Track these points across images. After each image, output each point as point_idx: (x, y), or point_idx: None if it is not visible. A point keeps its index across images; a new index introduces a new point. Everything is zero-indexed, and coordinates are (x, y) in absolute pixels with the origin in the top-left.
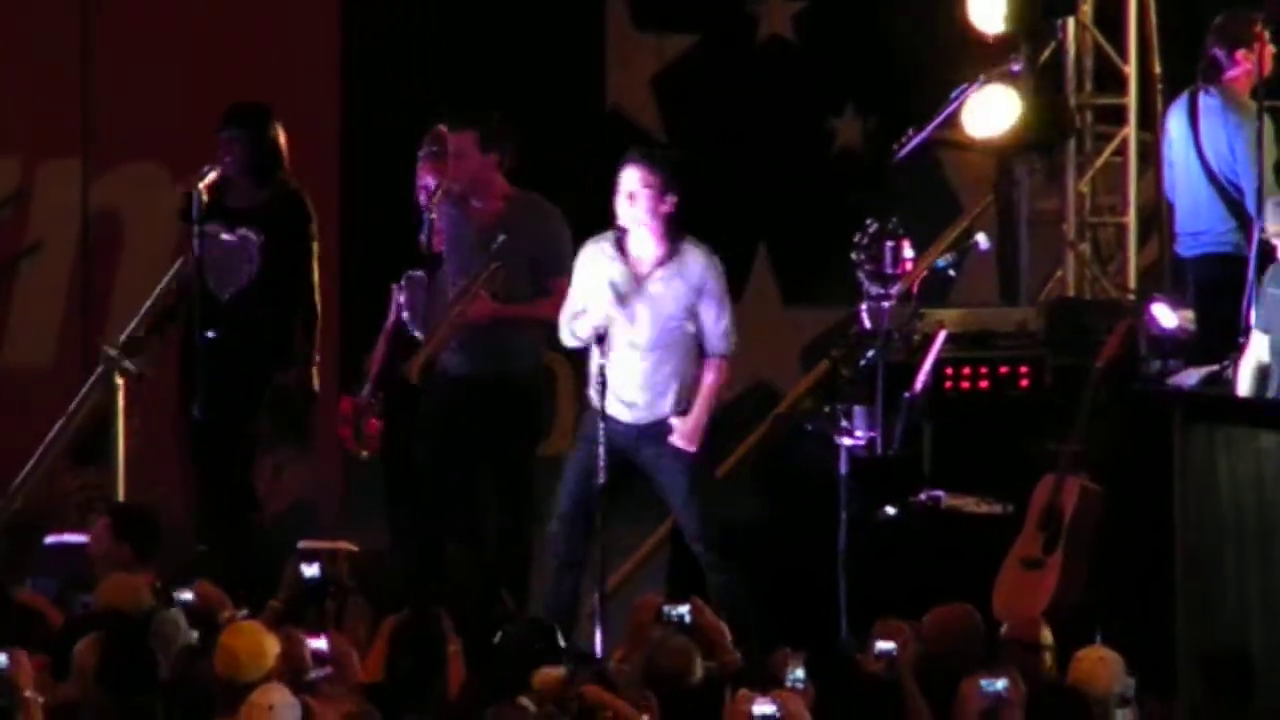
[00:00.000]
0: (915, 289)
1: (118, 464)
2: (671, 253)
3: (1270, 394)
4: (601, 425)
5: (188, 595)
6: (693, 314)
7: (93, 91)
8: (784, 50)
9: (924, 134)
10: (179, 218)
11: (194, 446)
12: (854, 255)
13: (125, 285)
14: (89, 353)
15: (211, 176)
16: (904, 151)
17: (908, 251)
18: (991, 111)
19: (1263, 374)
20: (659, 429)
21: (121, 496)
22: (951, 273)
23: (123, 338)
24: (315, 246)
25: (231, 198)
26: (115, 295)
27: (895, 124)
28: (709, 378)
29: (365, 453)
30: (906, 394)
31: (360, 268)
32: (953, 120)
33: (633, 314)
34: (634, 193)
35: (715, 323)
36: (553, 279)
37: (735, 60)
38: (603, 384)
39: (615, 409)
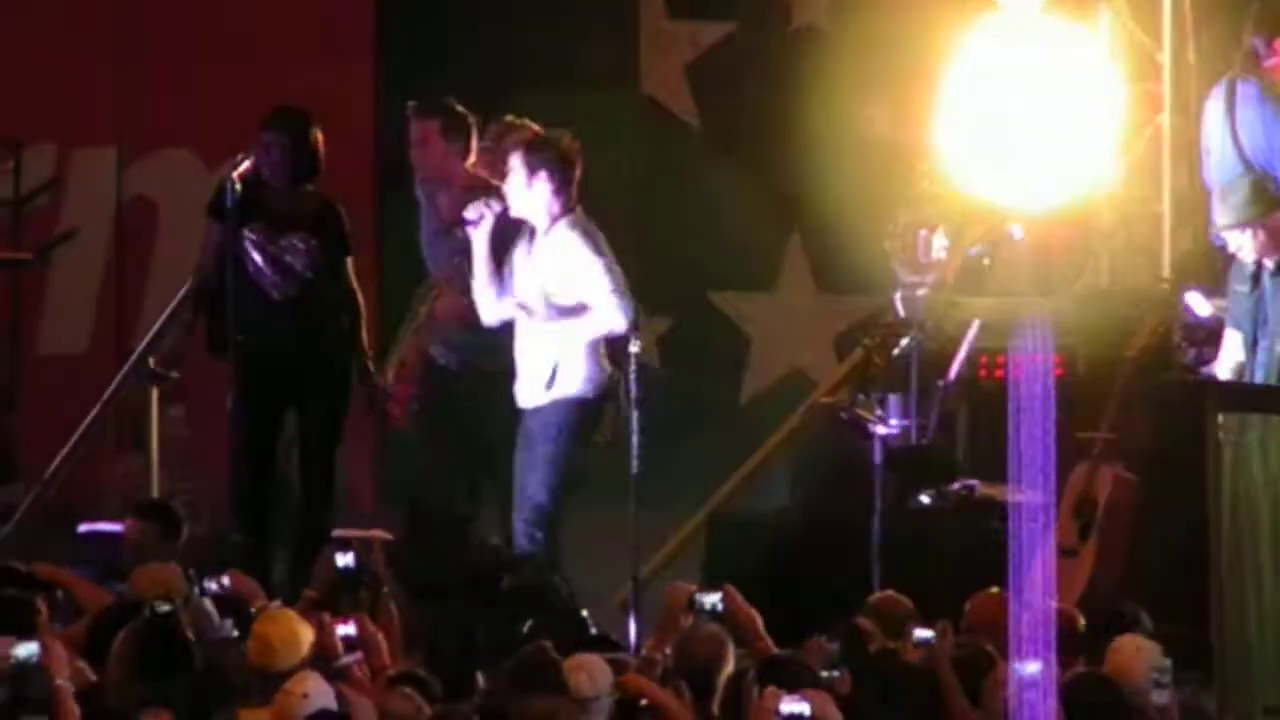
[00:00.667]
0: (949, 277)
1: (153, 453)
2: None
3: None
4: (636, 416)
5: (221, 582)
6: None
7: (127, 79)
8: (818, 38)
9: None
10: (208, 211)
11: (246, 442)
12: (887, 244)
13: (159, 273)
14: (123, 340)
15: (245, 165)
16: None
17: (942, 240)
18: None
19: (1240, 372)
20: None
21: (156, 485)
22: (985, 261)
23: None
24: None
25: (274, 201)
26: (149, 282)
27: (929, 112)
28: None
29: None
30: (940, 382)
31: (397, 266)
32: None
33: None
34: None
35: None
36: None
37: (769, 48)
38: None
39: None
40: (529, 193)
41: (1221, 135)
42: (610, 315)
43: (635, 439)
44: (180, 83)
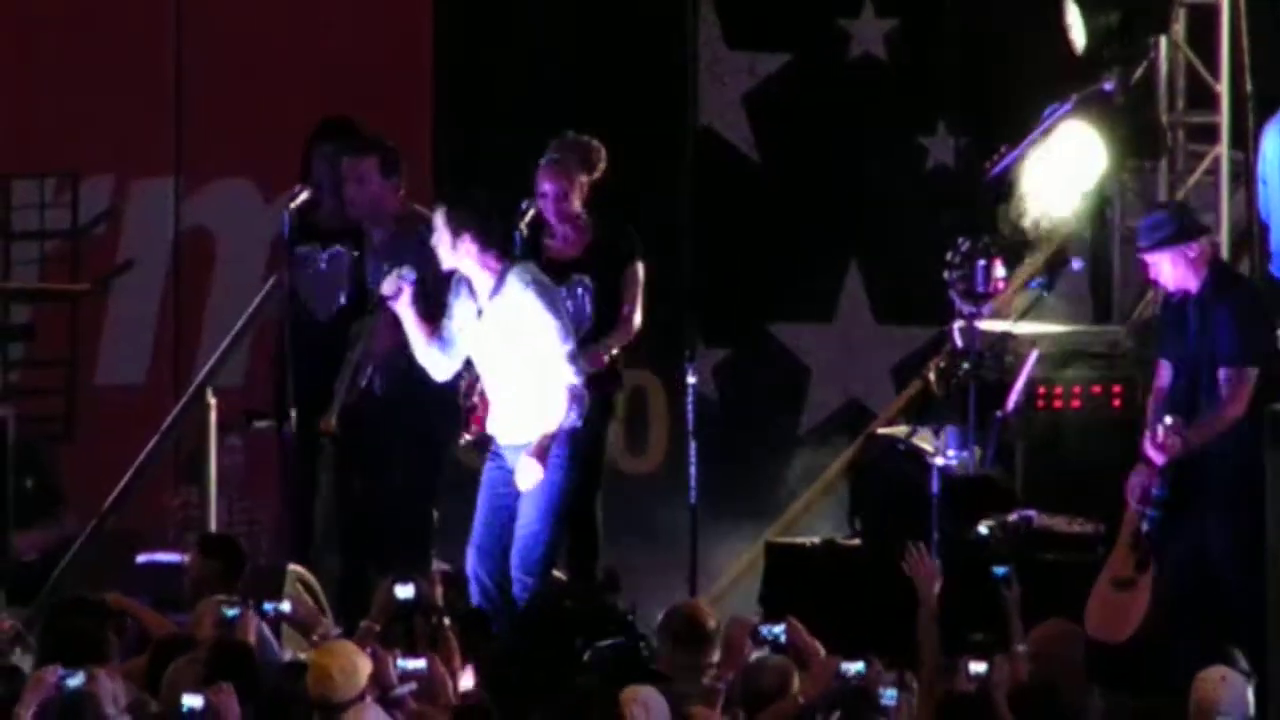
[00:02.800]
0: (1008, 308)
1: (210, 484)
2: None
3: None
4: (694, 447)
5: (285, 607)
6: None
7: (185, 110)
8: (876, 68)
9: (1016, 152)
10: (275, 243)
11: (294, 464)
12: (946, 274)
13: (216, 303)
14: (181, 371)
15: (303, 197)
16: (996, 170)
17: (1000, 270)
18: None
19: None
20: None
21: (214, 516)
22: (1045, 293)
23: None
24: None
25: (322, 217)
26: (207, 313)
27: (987, 142)
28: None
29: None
30: (998, 413)
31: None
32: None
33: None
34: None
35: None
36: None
37: (827, 78)
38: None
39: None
40: (455, 254)
41: (1278, 167)
42: (563, 372)
43: (693, 469)
44: (238, 113)
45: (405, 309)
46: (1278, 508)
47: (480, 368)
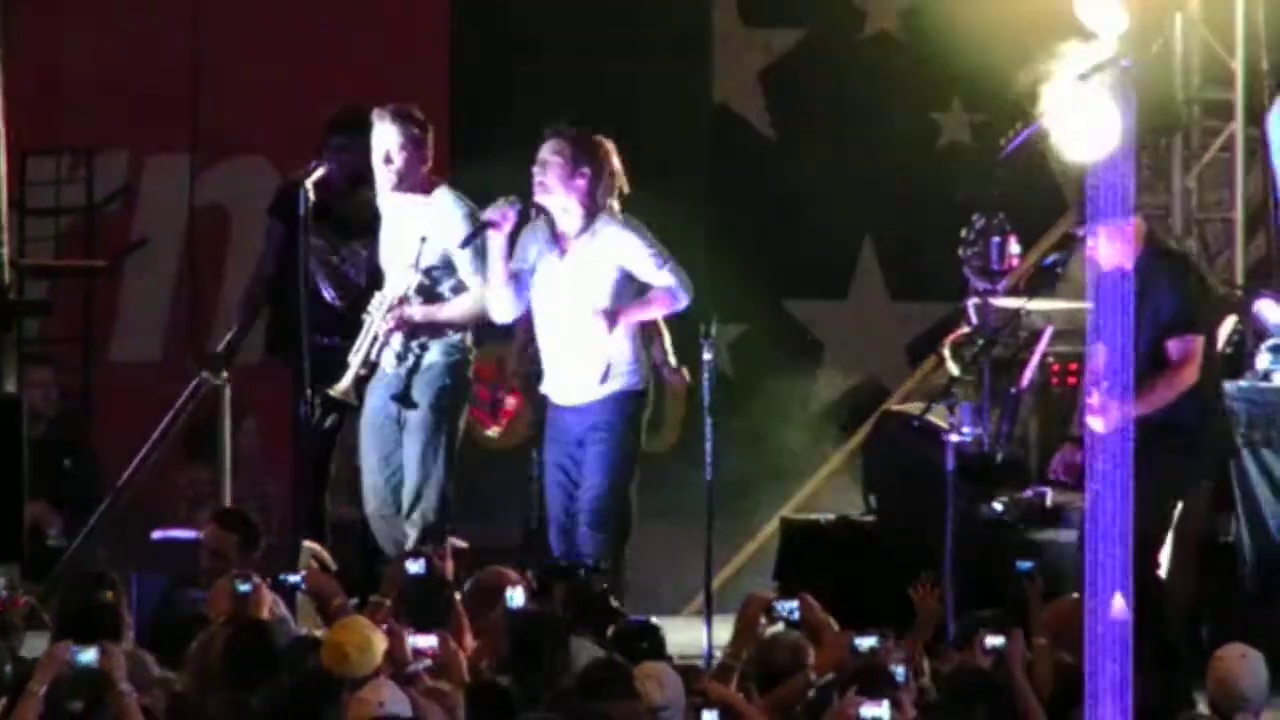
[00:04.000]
0: (1022, 284)
1: (224, 463)
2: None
3: None
4: (710, 424)
5: (297, 578)
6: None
7: (200, 86)
8: (891, 45)
9: (1030, 130)
10: (269, 211)
11: (306, 446)
12: (961, 251)
13: (231, 279)
14: (196, 347)
15: (320, 173)
16: (1011, 147)
17: (1014, 247)
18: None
19: None
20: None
21: (228, 494)
22: (1059, 269)
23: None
24: None
25: (337, 206)
26: (222, 290)
27: (1002, 119)
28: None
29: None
30: (1013, 390)
31: None
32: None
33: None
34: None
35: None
36: (468, 275)
37: (842, 55)
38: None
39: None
40: (564, 187)
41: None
42: (666, 278)
43: (709, 445)
44: (253, 90)
45: (500, 239)
46: (1250, 506)
47: (547, 321)
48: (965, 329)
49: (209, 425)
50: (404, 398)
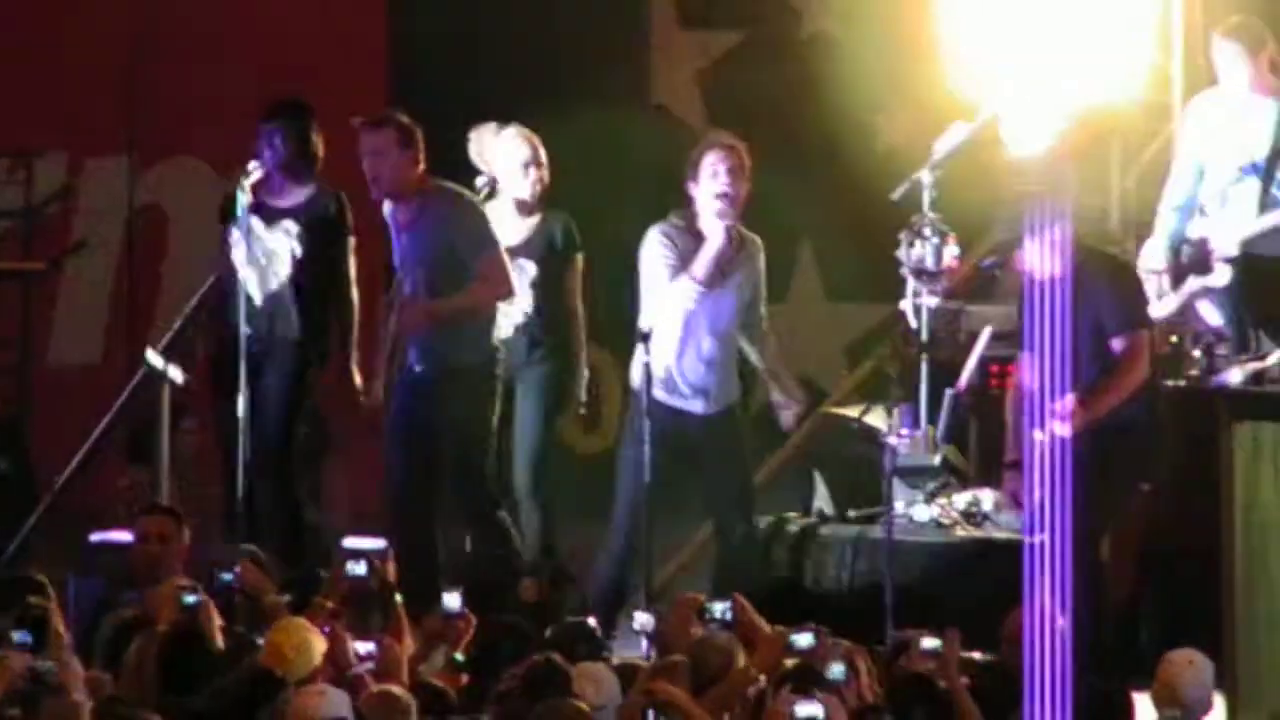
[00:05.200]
0: (960, 287)
1: (163, 464)
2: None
3: None
4: (646, 426)
5: (229, 575)
6: None
7: (138, 87)
8: (828, 46)
9: (968, 131)
10: (219, 218)
11: (233, 442)
12: (899, 253)
13: (170, 281)
14: (135, 349)
15: (256, 175)
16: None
17: (952, 249)
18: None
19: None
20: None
21: (166, 496)
22: (997, 272)
23: (163, 343)
24: (352, 244)
25: (268, 195)
26: (160, 291)
27: (939, 121)
28: None
29: None
30: (951, 391)
31: None
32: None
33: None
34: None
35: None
36: (477, 260)
37: (781, 56)
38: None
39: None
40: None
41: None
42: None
43: (647, 449)
44: (191, 91)
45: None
46: (1229, 487)
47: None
48: (903, 330)
49: (147, 426)
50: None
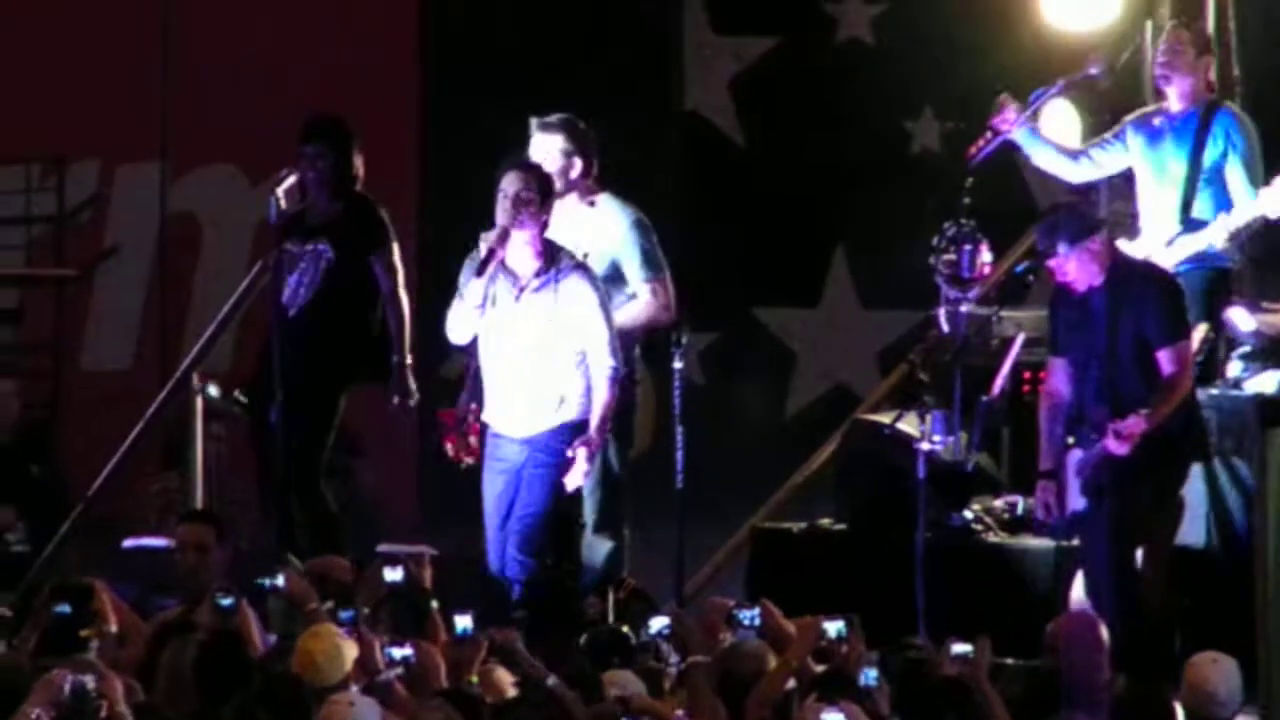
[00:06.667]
0: (993, 292)
1: (195, 470)
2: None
3: None
4: (680, 432)
5: (278, 581)
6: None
7: (172, 95)
8: (862, 53)
9: (1001, 138)
10: (275, 238)
11: (266, 452)
12: (932, 259)
13: (202, 288)
14: (167, 356)
15: (290, 181)
16: (980, 156)
17: (986, 255)
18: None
19: None
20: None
21: (199, 503)
22: (1030, 278)
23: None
24: (395, 250)
25: (309, 214)
26: (193, 298)
27: (973, 127)
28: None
29: (469, 460)
30: (984, 398)
31: (439, 279)
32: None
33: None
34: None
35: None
36: (645, 281)
37: (813, 63)
38: None
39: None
40: (527, 221)
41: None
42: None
43: (680, 454)
44: (224, 98)
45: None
46: (1263, 493)
47: (499, 353)
48: (936, 336)
49: (181, 432)
50: None
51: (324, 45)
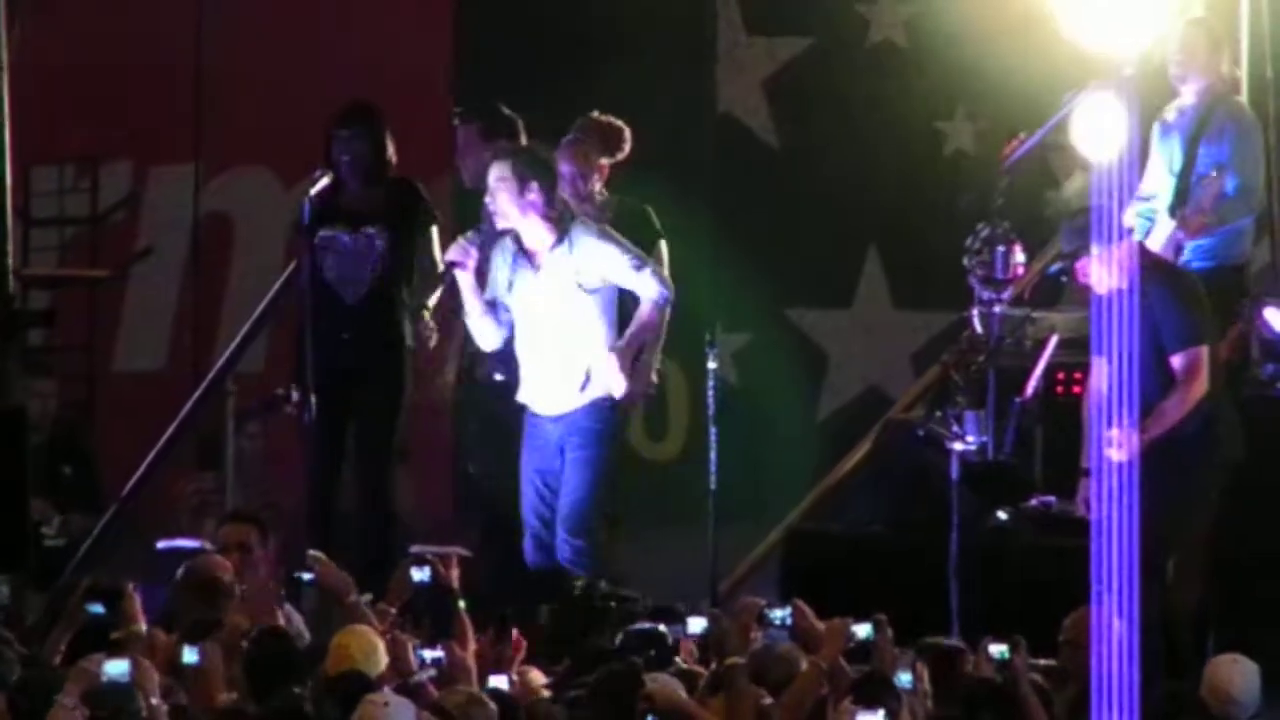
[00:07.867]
0: (1027, 293)
1: (228, 470)
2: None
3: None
4: (714, 432)
5: (310, 575)
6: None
7: (204, 97)
8: (895, 54)
9: (1034, 139)
10: (293, 229)
11: (317, 447)
12: (965, 260)
13: (235, 289)
14: (200, 357)
15: (323, 183)
16: (1014, 157)
17: (1019, 256)
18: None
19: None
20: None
21: (231, 502)
22: (1064, 279)
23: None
24: (437, 230)
25: (346, 200)
26: (226, 299)
27: (1006, 128)
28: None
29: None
30: (1018, 399)
31: None
32: (1063, 125)
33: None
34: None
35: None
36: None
37: (847, 64)
38: None
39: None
40: (519, 207)
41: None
42: (649, 285)
43: (713, 454)
44: (257, 100)
45: (466, 276)
46: None
47: (526, 332)
48: (969, 337)
49: (214, 432)
50: None
51: (357, 46)
